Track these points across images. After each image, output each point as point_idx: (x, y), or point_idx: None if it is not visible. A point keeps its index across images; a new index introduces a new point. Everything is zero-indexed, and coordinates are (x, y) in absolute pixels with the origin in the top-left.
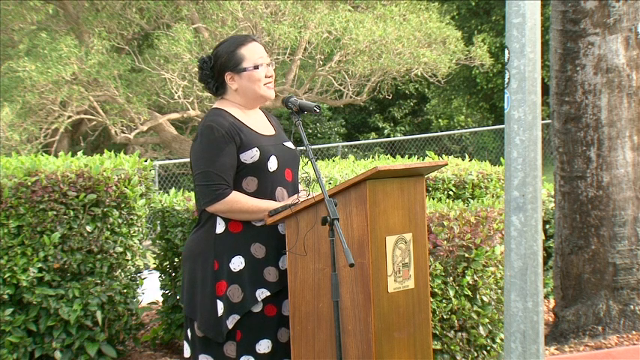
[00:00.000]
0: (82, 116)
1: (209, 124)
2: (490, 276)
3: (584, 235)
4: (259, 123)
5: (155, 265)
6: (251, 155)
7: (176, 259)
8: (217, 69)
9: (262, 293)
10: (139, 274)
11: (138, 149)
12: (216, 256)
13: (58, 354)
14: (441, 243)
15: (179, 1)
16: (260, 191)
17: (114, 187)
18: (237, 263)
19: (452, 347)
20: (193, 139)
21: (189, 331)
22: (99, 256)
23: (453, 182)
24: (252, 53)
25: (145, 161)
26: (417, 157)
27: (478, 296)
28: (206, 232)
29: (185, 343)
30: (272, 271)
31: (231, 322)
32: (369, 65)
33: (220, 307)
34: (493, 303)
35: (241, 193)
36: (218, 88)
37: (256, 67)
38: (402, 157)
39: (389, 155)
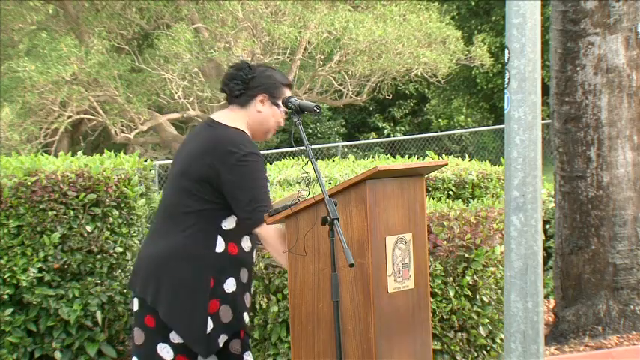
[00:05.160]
0: (82, 116)
1: (255, 152)
2: (490, 276)
3: (584, 235)
4: None
5: None
6: None
7: None
8: (257, 83)
9: (245, 317)
10: None
11: (138, 149)
12: (214, 274)
13: (58, 354)
14: (441, 243)
15: (179, 1)
16: None
17: (114, 187)
18: (231, 284)
19: (452, 347)
20: (235, 160)
21: (159, 326)
22: (99, 256)
23: (453, 182)
24: (286, 99)
25: (145, 161)
26: (417, 157)
27: (478, 296)
28: (205, 244)
29: (140, 330)
30: (248, 297)
31: (221, 340)
32: (369, 65)
33: (210, 324)
34: (493, 303)
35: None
36: (241, 96)
37: (285, 113)
38: (402, 157)
39: (389, 155)
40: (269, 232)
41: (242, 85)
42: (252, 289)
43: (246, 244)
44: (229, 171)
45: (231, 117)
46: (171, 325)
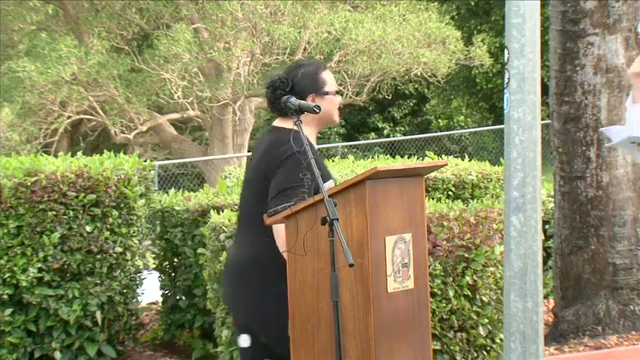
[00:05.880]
0: (82, 116)
1: (295, 153)
2: (490, 276)
3: (583, 236)
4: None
5: (155, 265)
6: (329, 186)
7: (176, 259)
8: (299, 90)
9: None
10: (138, 274)
11: (137, 149)
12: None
13: (57, 354)
14: (441, 243)
15: (179, 2)
16: None
17: (113, 188)
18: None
19: (451, 347)
20: (278, 164)
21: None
22: (98, 257)
23: (452, 182)
24: (332, 79)
25: (145, 161)
26: (416, 157)
27: (478, 296)
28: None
29: (245, 335)
30: None
31: None
32: (369, 65)
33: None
34: (493, 303)
35: None
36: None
37: (337, 93)
38: (402, 157)
39: (388, 155)
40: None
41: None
42: None
43: None
44: (274, 172)
45: (288, 123)
46: (259, 328)
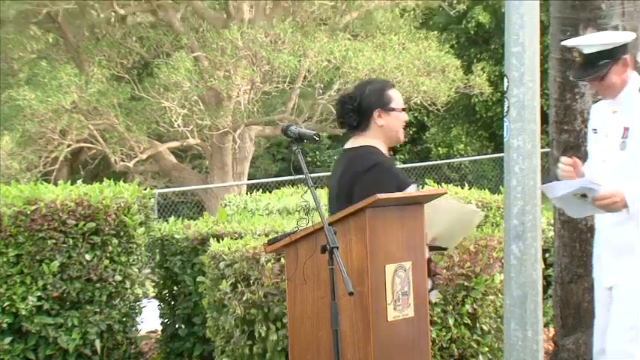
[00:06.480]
0: (82, 145)
1: (380, 162)
2: (490, 304)
3: (583, 264)
4: None
5: (154, 294)
6: (413, 190)
7: (175, 288)
8: (366, 105)
9: None
10: (138, 303)
11: (137, 178)
12: None
13: None
14: (441, 271)
15: (179, 30)
16: None
17: (113, 216)
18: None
19: None
20: (362, 173)
21: None
22: (98, 285)
23: None
24: (398, 97)
25: (145, 189)
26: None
27: (478, 325)
28: None
29: None
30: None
31: None
32: None
33: None
34: (493, 332)
35: None
36: (360, 124)
37: (403, 110)
38: None
39: None
40: None
41: (355, 115)
42: (254, 317)
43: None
44: (359, 189)
45: (359, 141)
46: None
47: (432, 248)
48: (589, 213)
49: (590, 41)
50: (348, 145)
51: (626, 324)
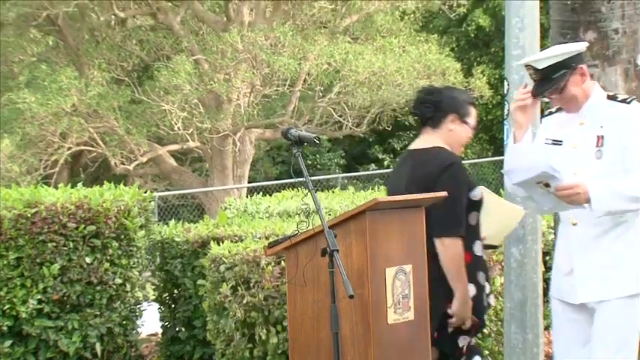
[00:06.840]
0: (82, 148)
1: (456, 161)
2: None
3: None
4: None
5: (154, 297)
6: (478, 193)
7: (175, 291)
8: (446, 105)
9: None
10: (138, 306)
11: (137, 180)
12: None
13: None
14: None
15: (179, 33)
16: (478, 224)
17: (113, 219)
18: (471, 289)
19: None
20: (439, 173)
21: None
22: (98, 288)
23: None
24: (475, 115)
25: (145, 192)
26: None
27: None
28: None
29: None
30: (492, 298)
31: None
32: (369, 97)
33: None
34: (493, 335)
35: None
36: (433, 119)
37: (474, 129)
38: None
39: None
40: (451, 250)
41: (432, 108)
42: (254, 320)
43: (477, 248)
44: (439, 188)
45: (427, 141)
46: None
47: (485, 247)
48: (551, 206)
49: (540, 56)
50: (418, 145)
51: (615, 345)
